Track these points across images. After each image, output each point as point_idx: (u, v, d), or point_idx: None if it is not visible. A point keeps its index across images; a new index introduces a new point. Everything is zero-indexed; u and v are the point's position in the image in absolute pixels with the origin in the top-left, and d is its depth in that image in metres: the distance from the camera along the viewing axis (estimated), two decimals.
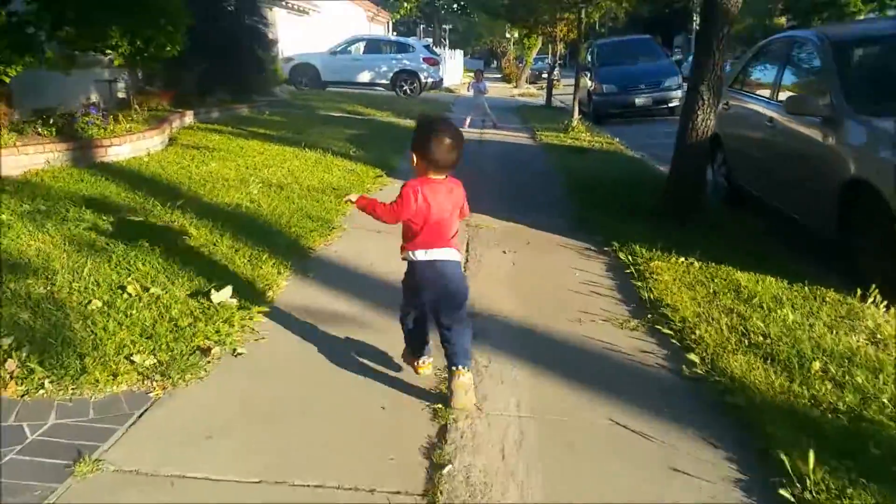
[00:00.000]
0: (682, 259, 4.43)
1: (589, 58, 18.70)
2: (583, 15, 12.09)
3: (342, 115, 13.38)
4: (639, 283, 4.05)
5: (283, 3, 22.67)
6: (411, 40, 23.74)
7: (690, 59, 19.38)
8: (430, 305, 2.63)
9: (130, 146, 6.69)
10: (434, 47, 33.83)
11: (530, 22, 18.54)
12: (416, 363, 2.85)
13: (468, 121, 13.27)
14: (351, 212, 5.50)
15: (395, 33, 31.69)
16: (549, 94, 19.50)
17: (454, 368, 2.59)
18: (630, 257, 4.51)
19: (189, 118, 9.81)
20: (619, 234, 5.03)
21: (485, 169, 8.27)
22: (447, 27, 49.15)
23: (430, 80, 21.32)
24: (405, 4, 34.90)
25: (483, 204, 6.21)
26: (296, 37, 24.23)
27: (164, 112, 9.04)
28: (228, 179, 6.04)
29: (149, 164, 6.31)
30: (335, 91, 20.35)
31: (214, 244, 4.27)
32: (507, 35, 46.22)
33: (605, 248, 4.83)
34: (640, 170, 8.40)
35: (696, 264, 4.35)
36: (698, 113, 5.28)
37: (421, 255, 2.57)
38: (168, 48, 6.73)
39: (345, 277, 4.08)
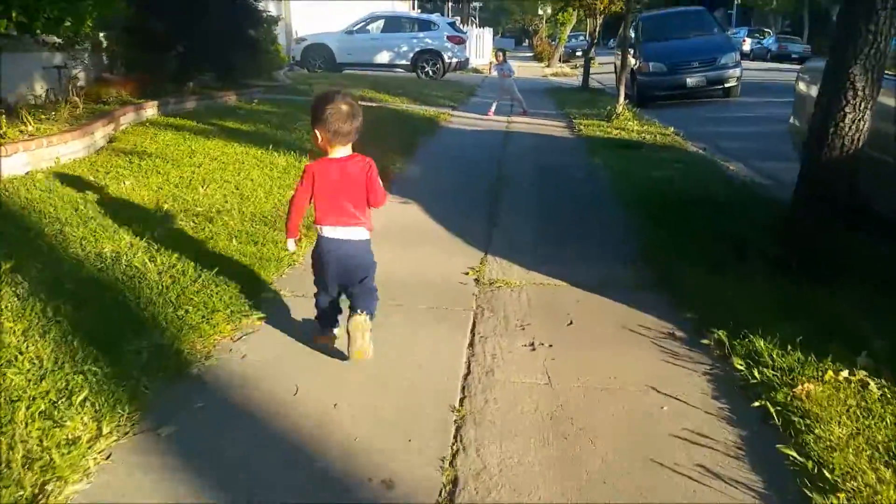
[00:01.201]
0: (847, 372, 2.51)
1: (632, 33, 16.50)
2: None
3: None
4: (789, 451, 2.13)
5: None
6: (434, 17, 21.71)
7: (739, 34, 16.83)
8: (335, 278, 2.69)
9: (28, 156, 4.94)
10: (461, 25, 31.73)
11: None
12: (321, 338, 2.82)
13: (493, 107, 11.32)
14: (302, 262, 3.69)
15: (419, 11, 29.64)
16: (587, 75, 17.36)
17: (352, 313, 2.59)
18: (755, 367, 2.60)
19: (151, 110, 8.08)
20: (722, 304, 3.12)
21: (508, 175, 6.36)
22: (477, 4, 46.85)
23: (454, 60, 19.33)
24: None
25: (503, 236, 4.35)
26: (313, 15, 22.45)
27: (112, 105, 7.32)
28: (135, 208, 4.25)
29: (32, 184, 4.51)
30: (349, 74, 18.49)
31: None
32: (540, 12, 43.80)
33: (704, 339, 2.92)
34: (719, 176, 6.40)
35: (873, 386, 2.44)
36: (846, 110, 3.31)
37: (324, 231, 2.62)
38: (69, 23, 4.96)
39: (235, 430, 2.24)
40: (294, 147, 6.52)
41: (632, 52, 15.62)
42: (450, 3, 37.47)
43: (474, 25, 38.54)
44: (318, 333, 2.85)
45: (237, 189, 4.91)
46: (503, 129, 9.98)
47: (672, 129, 9.57)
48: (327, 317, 2.82)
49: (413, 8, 31.10)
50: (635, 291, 3.50)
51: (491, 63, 12.08)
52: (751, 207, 4.94)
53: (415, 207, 5.14)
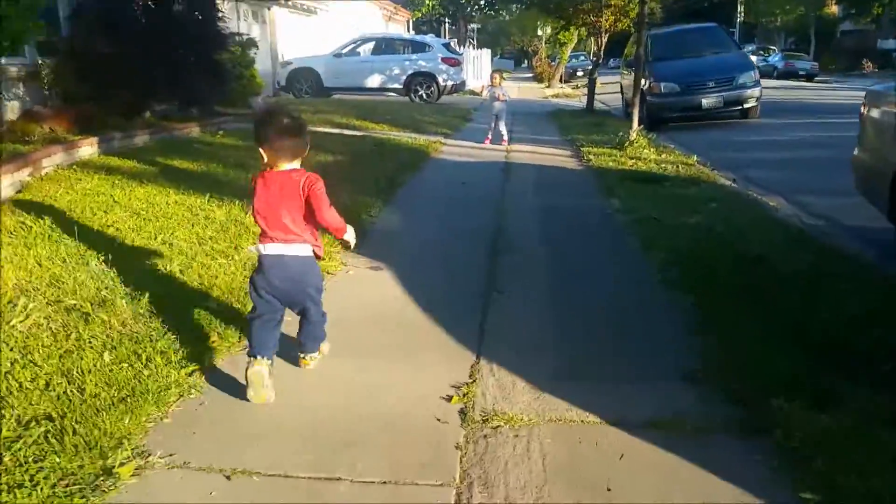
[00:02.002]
0: None
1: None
2: None
3: (328, 132, 10.36)
4: None
5: (284, 2, 19.85)
6: (428, 38, 20.67)
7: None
8: (280, 298, 2.56)
9: None
10: (457, 46, 30.79)
11: (568, 11, 15.34)
12: (249, 362, 2.49)
13: (490, 135, 10.14)
14: (199, 397, 2.45)
15: (413, 33, 28.73)
16: (592, 97, 16.23)
17: (301, 356, 2.73)
18: None
19: (89, 149, 6.89)
20: (857, 475, 1.89)
21: (508, 226, 5.13)
22: (475, 26, 46.12)
23: (449, 82, 18.22)
24: (427, 1, 32.04)
25: (502, 325, 3.13)
26: (302, 39, 21.46)
27: (36, 145, 6.14)
28: None
29: None
30: (337, 99, 17.39)
31: None
32: (539, 32, 42.99)
33: None
34: (766, 220, 5.17)
35: None
36: None
37: (262, 249, 2.51)
38: None
39: None
40: (243, 193, 5.30)
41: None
42: (447, 25, 36.62)
43: (472, 47, 37.68)
44: (249, 355, 2.55)
45: (148, 260, 3.68)
46: (502, 159, 8.79)
47: (695, 157, 8.37)
48: (256, 341, 2.54)
49: (408, 30, 30.23)
50: (707, 437, 2.26)
51: (483, 87, 10.85)
52: (825, 271, 3.70)
53: (385, 277, 3.92)
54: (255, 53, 15.36)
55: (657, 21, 16.04)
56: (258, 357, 2.48)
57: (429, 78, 18.08)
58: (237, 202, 5.02)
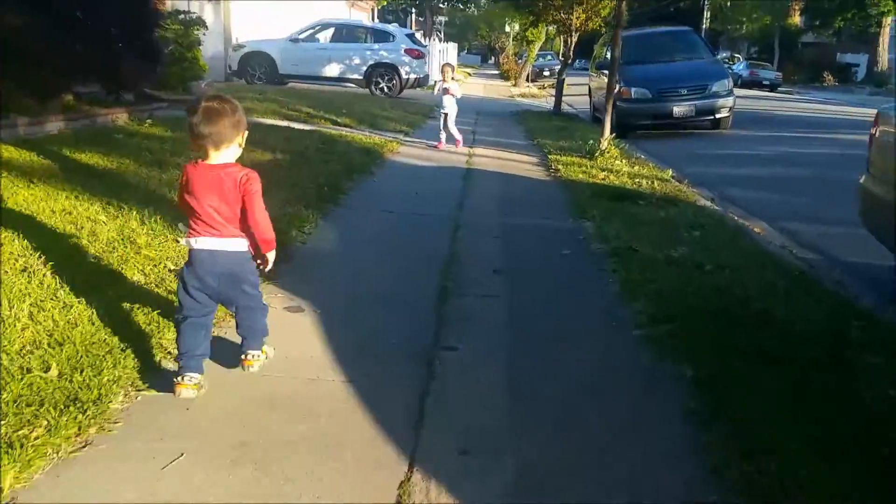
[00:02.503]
0: None
1: (608, 54, 14.82)
2: None
3: (273, 124, 9.44)
4: None
5: None
6: (392, 28, 19.75)
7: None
8: (211, 296, 2.44)
9: None
10: (423, 38, 29.89)
11: (538, 6, 14.62)
12: (176, 379, 2.35)
13: (442, 138, 9.25)
14: None
15: (378, 21, 27.70)
16: (559, 99, 15.58)
17: (242, 356, 2.54)
18: None
19: None
20: None
21: (464, 253, 4.34)
22: (442, 19, 45.31)
23: (412, 76, 17.35)
24: None
25: (447, 407, 2.39)
26: (260, 22, 20.29)
27: None
28: None
29: None
30: (293, 88, 16.40)
31: None
32: (507, 29, 42.35)
33: None
34: (756, 254, 4.49)
35: None
36: None
37: (193, 242, 2.39)
38: None
39: None
40: (150, 199, 4.44)
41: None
42: (413, 16, 35.64)
43: (438, 40, 36.83)
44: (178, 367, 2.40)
45: None
46: (463, 164, 8.01)
47: (670, 171, 7.74)
48: (185, 345, 2.38)
49: (372, 19, 29.20)
50: None
51: (436, 82, 10.05)
52: (849, 335, 3.03)
53: (304, 325, 3.11)
54: (203, 34, 14.30)
55: (624, 24, 15.46)
56: (187, 374, 2.34)
57: (391, 70, 17.19)
58: (137, 212, 4.14)
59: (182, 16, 12.01)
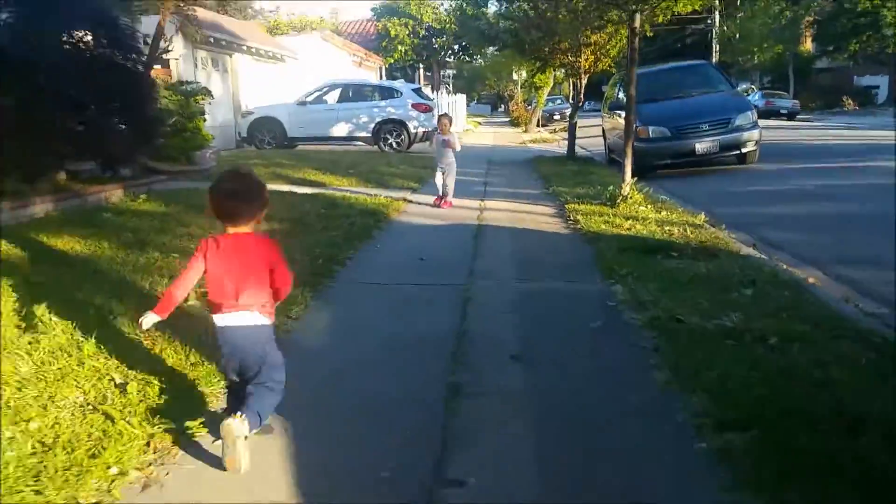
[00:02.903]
0: None
1: (620, 93, 14.35)
2: (637, 22, 7.56)
3: (276, 189, 8.98)
4: None
5: (246, 49, 18.75)
6: (397, 84, 19.57)
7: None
8: (233, 369, 2.47)
9: None
10: (431, 92, 29.89)
11: (544, 52, 14.26)
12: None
13: (445, 197, 8.32)
14: None
15: (386, 79, 27.72)
16: (572, 142, 15.07)
17: (236, 414, 2.33)
18: None
19: None
20: None
21: (469, 337, 3.68)
22: (450, 72, 45.64)
23: (420, 130, 17.01)
24: (399, 47, 31.26)
25: None
26: (269, 87, 20.34)
27: None
28: None
29: None
30: (300, 151, 16.12)
31: None
32: (515, 77, 42.46)
33: None
34: (828, 317, 3.76)
35: None
36: None
37: (216, 319, 2.41)
38: None
39: None
40: (129, 289, 3.88)
41: (622, 114, 13.43)
42: (421, 71, 35.83)
43: (447, 92, 36.93)
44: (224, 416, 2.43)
45: None
46: (474, 220, 7.42)
47: (703, 215, 7.07)
48: (231, 403, 2.53)
49: (381, 77, 29.30)
50: None
51: (435, 132, 8.77)
52: None
53: (271, 454, 2.46)
54: (209, 103, 14.13)
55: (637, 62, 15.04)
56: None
57: (399, 125, 16.90)
58: (95, 311, 3.57)
59: (184, 86, 11.80)
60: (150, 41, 10.10)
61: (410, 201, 8.78)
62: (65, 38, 6.94)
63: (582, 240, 6.25)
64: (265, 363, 2.42)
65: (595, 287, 4.63)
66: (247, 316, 2.37)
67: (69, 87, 6.83)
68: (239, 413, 2.30)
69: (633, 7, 7.71)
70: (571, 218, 7.28)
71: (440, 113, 9.21)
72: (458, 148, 8.31)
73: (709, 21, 43.58)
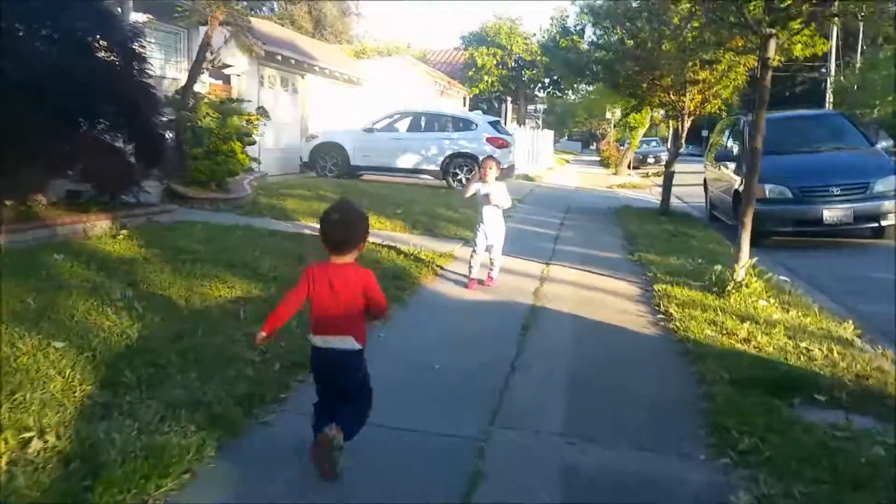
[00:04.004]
0: None
1: (727, 141, 12.20)
2: (771, 51, 5.60)
3: (296, 233, 7.48)
4: None
5: (318, 70, 17.74)
6: (473, 115, 17.95)
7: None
8: (327, 391, 2.66)
9: None
10: (518, 125, 28.27)
11: (641, 88, 12.34)
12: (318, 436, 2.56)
13: (472, 270, 5.98)
14: None
15: (468, 110, 26.30)
16: (667, 194, 12.97)
17: (326, 429, 2.50)
18: None
19: None
20: None
21: None
22: (542, 107, 44.05)
23: None
24: (485, 77, 29.90)
25: None
26: (343, 111, 19.31)
27: None
28: None
29: None
30: (357, 182, 14.75)
31: None
32: (608, 115, 40.36)
33: None
34: None
35: None
36: None
37: (315, 341, 2.62)
38: None
39: None
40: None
41: (731, 166, 11.30)
42: (509, 104, 34.32)
43: (536, 128, 35.30)
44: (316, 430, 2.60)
45: None
46: (527, 300, 5.59)
47: (851, 325, 4.97)
48: (317, 419, 2.65)
49: (465, 107, 27.97)
50: None
51: (474, 183, 6.13)
52: None
53: None
54: (264, 123, 12.98)
55: (734, 110, 12.82)
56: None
57: (470, 160, 15.24)
58: None
59: (226, 104, 10.64)
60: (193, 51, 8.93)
61: (455, 258, 7.06)
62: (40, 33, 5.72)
63: (676, 353, 4.31)
64: (355, 386, 2.62)
65: (697, 474, 2.72)
66: (343, 340, 2.56)
67: (42, 91, 5.57)
68: (334, 425, 2.45)
69: (768, 30, 5.76)
70: (662, 308, 5.34)
71: (485, 156, 6.54)
72: (507, 204, 6.03)
73: (822, 70, 40.04)
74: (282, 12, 39.77)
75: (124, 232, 6.27)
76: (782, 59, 11.09)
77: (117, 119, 6.39)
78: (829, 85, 38.73)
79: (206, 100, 10.38)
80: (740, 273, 5.75)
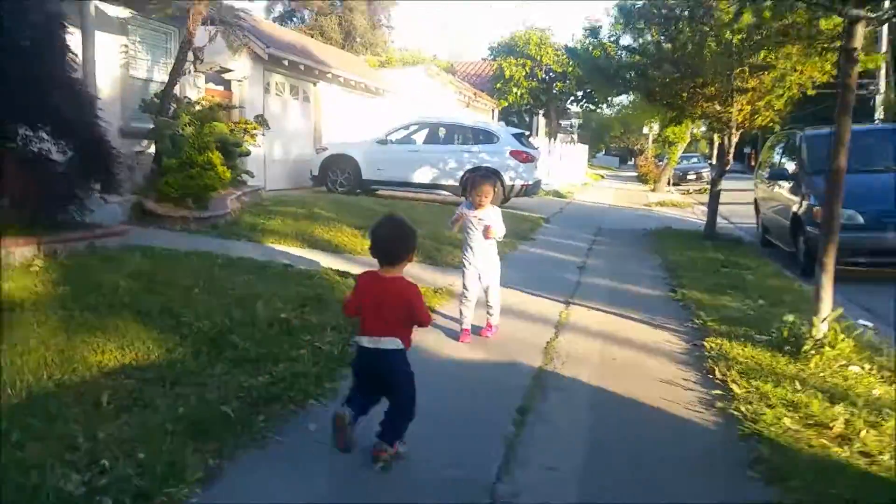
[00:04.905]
0: None
1: (783, 158, 10.65)
2: (857, 40, 4.21)
3: (265, 262, 6.21)
4: None
5: (332, 77, 16.65)
6: (496, 127, 16.60)
7: None
8: (368, 388, 2.82)
9: None
10: (549, 139, 26.87)
11: (682, 97, 10.87)
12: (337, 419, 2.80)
13: (464, 320, 4.71)
14: None
15: (499, 123, 24.99)
16: (713, 216, 11.41)
17: (374, 447, 2.71)
18: None
19: None
20: None
21: None
22: (575, 121, 42.55)
23: (518, 182, 13.96)
24: (514, 89, 28.53)
25: None
26: (361, 121, 18.19)
27: None
28: None
29: None
30: (362, 198, 13.46)
31: None
32: (645, 130, 38.63)
33: None
34: None
35: None
36: None
37: (363, 341, 2.79)
38: None
39: None
40: None
41: (786, 185, 9.76)
42: (541, 118, 32.91)
43: (572, 142, 33.88)
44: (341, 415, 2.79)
45: None
46: (535, 360, 4.23)
47: None
48: (352, 402, 2.82)
49: (493, 120, 26.65)
50: None
51: (463, 209, 4.76)
52: None
53: None
54: (263, 134, 11.85)
55: (779, 123, 11.18)
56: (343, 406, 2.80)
57: (492, 175, 13.92)
58: None
59: (219, 110, 9.53)
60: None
61: (452, 294, 5.73)
62: None
63: (742, 462, 2.89)
64: (399, 379, 2.77)
65: None
66: (390, 341, 2.74)
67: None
68: (381, 446, 2.70)
69: (855, 11, 4.34)
70: (718, 376, 3.92)
71: (473, 175, 4.68)
72: (499, 235, 4.66)
73: (871, 87, 37.72)
74: (311, 23, 39.18)
75: (38, 262, 5.06)
76: (833, 74, 9.58)
77: (37, 121, 5.24)
78: (878, 102, 36.44)
79: (197, 106, 9.30)
80: (821, 328, 4.30)
